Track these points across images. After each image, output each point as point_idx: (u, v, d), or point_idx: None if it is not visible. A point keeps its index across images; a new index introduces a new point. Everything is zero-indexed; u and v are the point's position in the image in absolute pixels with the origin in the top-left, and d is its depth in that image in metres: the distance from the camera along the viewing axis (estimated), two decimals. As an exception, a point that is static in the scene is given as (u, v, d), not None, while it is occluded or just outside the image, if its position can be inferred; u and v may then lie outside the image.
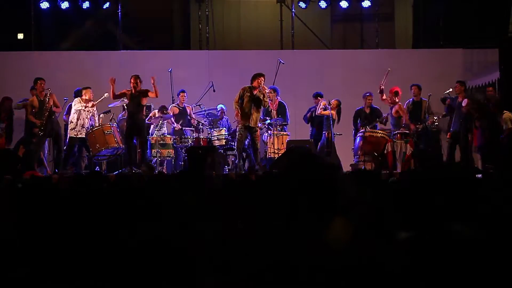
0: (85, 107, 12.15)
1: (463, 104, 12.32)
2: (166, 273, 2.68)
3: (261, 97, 11.74)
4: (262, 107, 11.92)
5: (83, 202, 3.49)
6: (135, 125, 11.86)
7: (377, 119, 12.89)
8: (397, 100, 12.59)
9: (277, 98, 12.92)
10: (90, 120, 12.22)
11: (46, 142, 12.49)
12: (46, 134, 12.07)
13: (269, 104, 12.78)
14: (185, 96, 12.92)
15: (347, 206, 2.37)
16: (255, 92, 11.72)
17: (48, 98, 12.03)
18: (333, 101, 12.86)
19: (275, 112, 12.79)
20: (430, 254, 2.16)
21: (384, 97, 12.73)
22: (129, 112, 11.96)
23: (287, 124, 12.95)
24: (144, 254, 2.75)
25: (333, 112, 12.77)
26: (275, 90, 12.88)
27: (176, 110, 12.94)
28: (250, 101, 11.71)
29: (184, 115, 12.92)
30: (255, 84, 11.74)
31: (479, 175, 6.46)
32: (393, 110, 12.64)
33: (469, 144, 12.49)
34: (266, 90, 11.78)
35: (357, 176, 4.17)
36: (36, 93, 12.11)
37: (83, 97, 12.18)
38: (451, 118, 12.65)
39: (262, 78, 11.75)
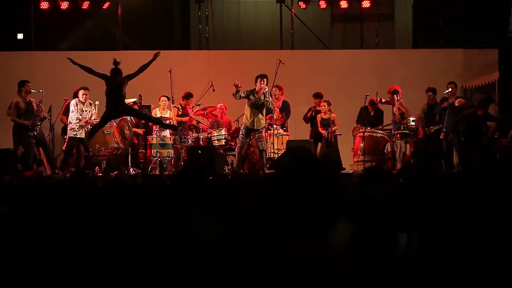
0: (82, 109, 12.12)
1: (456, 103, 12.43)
2: (166, 273, 2.68)
3: (263, 98, 11.75)
4: (265, 108, 11.92)
5: (81, 202, 3.49)
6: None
7: (379, 126, 12.84)
8: (397, 98, 12.61)
9: (281, 96, 12.96)
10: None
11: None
12: (34, 135, 11.93)
13: (273, 102, 12.79)
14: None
15: (348, 206, 2.37)
16: (257, 96, 11.76)
17: (39, 103, 11.95)
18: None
19: (278, 110, 12.80)
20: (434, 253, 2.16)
21: (383, 101, 12.80)
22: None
23: (286, 120, 12.89)
24: (144, 254, 2.75)
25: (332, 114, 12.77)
26: (280, 89, 12.88)
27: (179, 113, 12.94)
28: (251, 104, 11.76)
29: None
30: (257, 87, 11.78)
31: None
32: (394, 108, 12.65)
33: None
34: (266, 89, 11.78)
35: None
36: (21, 95, 11.98)
37: (80, 98, 12.15)
38: (443, 118, 12.64)
39: (263, 80, 11.76)
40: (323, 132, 12.70)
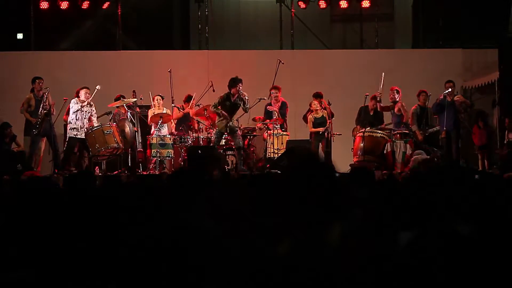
0: (82, 107, 12.13)
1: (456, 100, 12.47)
2: (167, 274, 2.68)
3: (241, 104, 11.79)
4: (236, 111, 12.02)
5: (80, 202, 3.48)
6: None
7: (379, 126, 12.82)
8: (397, 99, 12.62)
9: (280, 97, 12.98)
10: (89, 120, 12.19)
11: (43, 141, 12.44)
12: (40, 133, 12.04)
13: (272, 103, 12.81)
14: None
15: (347, 206, 2.37)
16: (233, 100, 11.81)
17: (46, 98, 12.04)
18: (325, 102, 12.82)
19: (277, 112, 12.81)
20: (431, 253, 2.16)
21: (382, 104, 12.78)
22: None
23: (283, 121, 12.89)
24: (144, 254, 2.75)
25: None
26: (278, 89, 12.89)
27: (181, 114, 12.97)
28: (228, 109, 11.83)
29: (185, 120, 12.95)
30: (233, 91, 11.81)
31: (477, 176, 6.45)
32: (395, 108, 12.65)
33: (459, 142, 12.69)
34: (246, 97, 11.80)
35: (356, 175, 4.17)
36: (33, 92, 12.12)
37: (80, 97, 12.16)
38: (441, 117, 12.64)
39: (240, 84, 11.81)
40: (319, 129, 12.67)
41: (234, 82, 11.79)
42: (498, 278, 2.23)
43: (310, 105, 12.85)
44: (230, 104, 11.84)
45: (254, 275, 2.35)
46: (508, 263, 2.26)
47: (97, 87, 12.13)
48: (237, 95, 11.75)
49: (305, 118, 13.34)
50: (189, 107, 12.96)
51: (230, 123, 11.86)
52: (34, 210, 3.40)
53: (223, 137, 12.55)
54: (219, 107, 11.85)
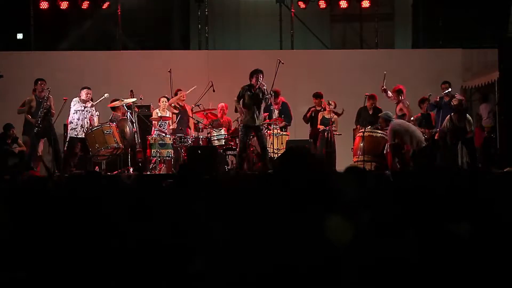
0: (84, 107, 12.12)
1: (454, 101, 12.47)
2: (166, 274, 2.68)
3: (260, 94, 11.61)
4: (263, 104, 11.79)
5: (79, 203, 3.48)
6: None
7: (378, 124, 12.81)
8: (401, 98, 12.62)
9: (280, 97, 12.95)
10: (89, 120, 12.18)
11: (42, 142, 12.40)
12: (40, 133, 12.02)
13: (272, 103, 12.80)
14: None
15: (347, 205, 2.37)
16: (254, 90, 11.63)
17: (47, 98, 12.03)
18: (332, 102, 12.83)
19: (277, 112, 12.80)
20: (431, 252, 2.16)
21: (390, 95, 12.72)
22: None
23: (289, 125, 12.94)
24: (142, 254, 2.75)
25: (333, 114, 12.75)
26: (277, 94, 12.86)
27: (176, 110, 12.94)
28: (250, 100, 11.63)
29: (184, 118, 12.93)
30: (253, 81, 11.63)
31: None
32: (397, 108, 12.64)
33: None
34: (264, 86, 11.64)
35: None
36: (35, 93, 12.11)
37: (81, 97, 12.15)
38: (437, 117, 12.65)
39: (260, 75, 11.64)
40: (322, 127, 12.69)
41: (254, 72, 11.60)
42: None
43: (320, 104, 12.92)
44: (251, 94, 11.68)
45: (254, 274, 2.35)
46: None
47: (105, 95, 12.17)
48: (257, 86, 11.61)
49: (305, 118, 13.34)
50: (177, 98, 12.76)
51: (256, 119, 11.61)
52: (32, 210, 3.39)
53: (223, 137, 12.54)
54: (239, 101, 11.66)
